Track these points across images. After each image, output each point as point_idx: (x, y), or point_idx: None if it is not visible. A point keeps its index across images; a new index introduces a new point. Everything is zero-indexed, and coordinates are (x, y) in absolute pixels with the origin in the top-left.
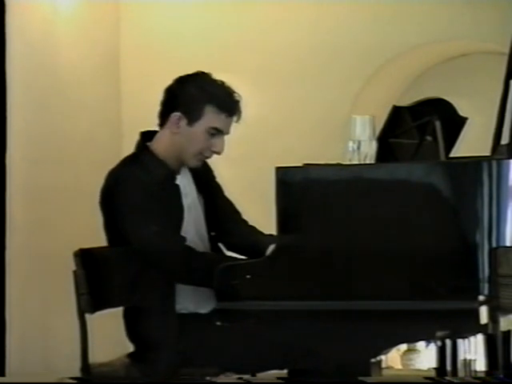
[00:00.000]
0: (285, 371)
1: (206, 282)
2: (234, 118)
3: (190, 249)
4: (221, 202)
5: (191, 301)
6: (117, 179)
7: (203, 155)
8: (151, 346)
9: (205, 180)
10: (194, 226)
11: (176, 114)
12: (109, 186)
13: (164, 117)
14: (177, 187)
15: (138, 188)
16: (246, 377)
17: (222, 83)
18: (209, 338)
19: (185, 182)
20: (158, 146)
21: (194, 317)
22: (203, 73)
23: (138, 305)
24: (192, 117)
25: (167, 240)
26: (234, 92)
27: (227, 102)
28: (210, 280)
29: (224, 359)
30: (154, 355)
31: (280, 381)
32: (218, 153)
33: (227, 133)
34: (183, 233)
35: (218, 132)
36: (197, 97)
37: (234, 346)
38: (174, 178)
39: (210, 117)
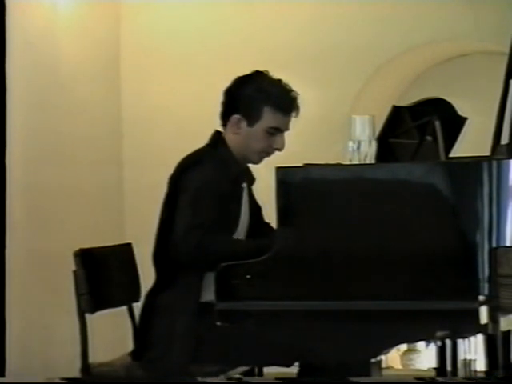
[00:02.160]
0: (287, 370)
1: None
2: (293, 114)
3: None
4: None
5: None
6: (192, 163)
7: (265, 152)
8: (167, 339)
9: (250, 189)
10: (239, 233)
11: (236, 116)
12: (182, 167)
13: (225, 118)
14: (242, 190)
15: (209, 177)
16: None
17: (280, 82)
18: (212, 332)
19: (246, 188)
20: (228, 143)
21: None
22: (261, 72)
23: (162, 297)
24: (251, 118)
25: (191, 228)
26: (291, 90)
27: (284, 102)
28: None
29: (226, 353)
30: (164, 353)
31: (278, 381)
32: (279, 149)
33: (286, 129)
34: (236, 235)
35: (277, 131)
36: (255, 98)
37: (235, 342)
38: (243, 180)
39: (269, 117)
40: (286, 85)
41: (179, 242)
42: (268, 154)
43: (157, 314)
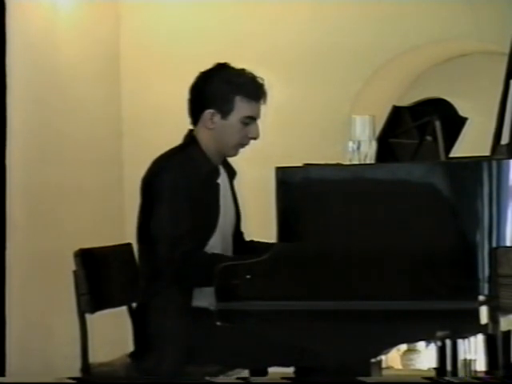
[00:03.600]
0: (289, 370)
1: (202, 284)
2: (262, 101)
3: (194, 254)
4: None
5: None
6: (162, 167)
7: (241, 144)
8: (160, 344)
9: (232, 183)
10: (224, 228)
11: (209, 111)
12: (153, 172)
13: (196, 115)
14: (217, 186)
15: (180, 180)
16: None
17: (244, 71)
18: (211, 334)
19: (225, 182)
20: (200, 141)
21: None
22: (223, 64)
23: (152, 301)
24: (224, 111)
25: (174, 241)
26: (256, 76)
27: (254, 89)
28: (204, 282)
29: (226, 355)
30: (160, 353)
31: (284, 381)
32: (255, 138)
33: (258, 117)
34: (216, 232)
35: (251, 119)
36: (225, 90)
37: (235, 343)
38: (216, 177)
39: (242, 106)
40: (250, 73)
41: (161, 258)
42: (243, 145)
43: (149, 316)
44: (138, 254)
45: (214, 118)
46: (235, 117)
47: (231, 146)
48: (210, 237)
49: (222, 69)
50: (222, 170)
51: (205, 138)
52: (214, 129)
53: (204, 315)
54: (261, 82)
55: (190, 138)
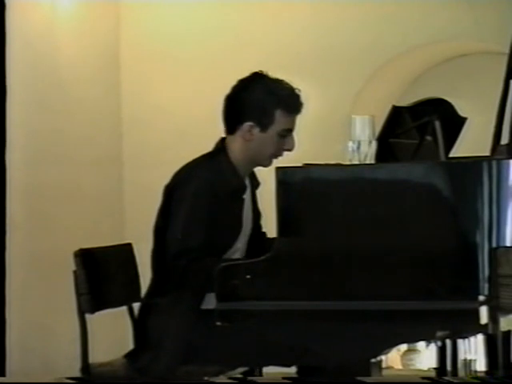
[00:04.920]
0: (289, 370)
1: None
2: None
3: (199, 263)
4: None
5: None
6: (188, 175)
7: (276, 155)
8: (163, 344)
9: (254, 193)
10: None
11: (248, 124)
12: (178, 179)
13: (232, 125)
14: (242, 201)
15: (203, 192)
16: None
17: (282, 82)
18: (212, 334)
19: (248, 194)
20: (231, 151)
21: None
22: (260, 74)
23: (160, 302)
24: (264, 124)
25: (183, 251)
26: (294, 88)
27: (293, 102)
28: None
29: (228, 355)
30: (161, 353)
31: (285, 380)
32: (290, 150)
33: (294, 129)
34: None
35: (288, 132)
36: (266, 103)
37: (237, 343)
38: (243, 193)
39: (281, 120)
40: (289, 84)
41: (168, 263)
42: (279, 155)
43: (155, 316)
44: (151, 253)
45: (252, 131)
46: (274, 130)
47: (266, 157)
48: (228, 249)
49: (260, 79)
50: (247, 181)
51: (238, 148)
52: (252, 140)
53: (210, 317)
54: (298, 93)
55: (221, 146)
